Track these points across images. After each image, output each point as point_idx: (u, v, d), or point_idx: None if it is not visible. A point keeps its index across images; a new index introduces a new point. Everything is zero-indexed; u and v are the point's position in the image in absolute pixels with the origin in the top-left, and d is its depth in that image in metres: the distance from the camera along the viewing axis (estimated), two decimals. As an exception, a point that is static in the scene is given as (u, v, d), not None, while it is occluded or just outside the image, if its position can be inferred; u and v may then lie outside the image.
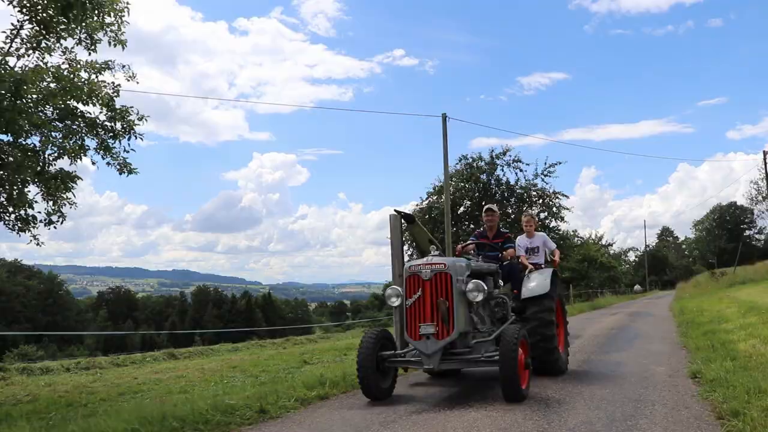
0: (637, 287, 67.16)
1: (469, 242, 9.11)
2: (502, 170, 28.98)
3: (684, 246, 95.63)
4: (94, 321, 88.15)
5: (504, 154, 28.80)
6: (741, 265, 46.24)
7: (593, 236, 51.43)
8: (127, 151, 9.13)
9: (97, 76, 8.80)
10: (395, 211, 9.37)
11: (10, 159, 8.11)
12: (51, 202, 8.74)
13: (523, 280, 8.54)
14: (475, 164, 28.85)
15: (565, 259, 35.17)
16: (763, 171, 37.27)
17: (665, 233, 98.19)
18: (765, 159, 37.11)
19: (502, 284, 8.69)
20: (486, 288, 7.27)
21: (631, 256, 78.45)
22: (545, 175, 28.47)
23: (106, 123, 8.93)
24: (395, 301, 7.71)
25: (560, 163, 28.64)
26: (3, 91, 7.49)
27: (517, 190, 28.88)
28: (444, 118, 22.62)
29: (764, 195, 44.58)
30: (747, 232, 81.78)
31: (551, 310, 8.27)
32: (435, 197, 29.13)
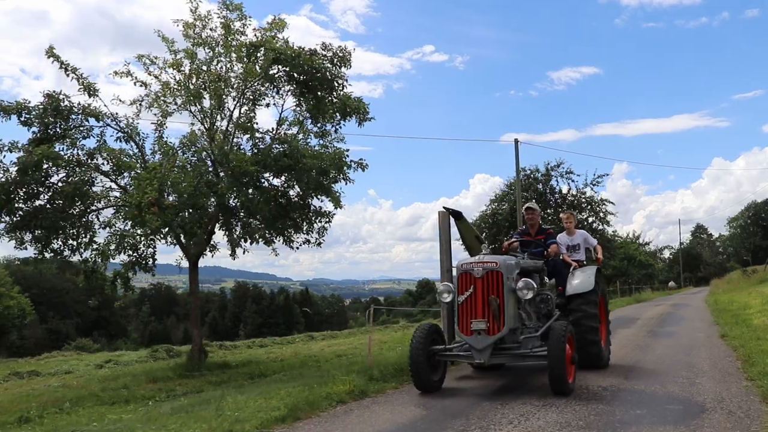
0: (671, 284, 72.05)
1: (513, 239, 9.54)
2: (556, 181, 34.57)
3: (718, 243, 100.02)
4: (138, 316, 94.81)
5: (558, 166, 34.40)
6: (773, 262, 51.33)
7: (631, 235, 56.70)
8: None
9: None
10: (443, 207, 9.85)
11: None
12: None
13: (568, 276, 9.17)
14: (532, 176, 34.41)
15: (611, 259, 40.83)
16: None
17: (699, 231, 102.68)
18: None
19: (547, 281, 9.43)
20: (535, 286, 7.82)
21: (666, 254, 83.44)
22: (594, 185, 34.12)
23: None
24: (447, 298, 8.34)
25: (607, 175, 34.28)
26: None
27: (569, 198, 34.40)
28: (516, 143, 28.24)
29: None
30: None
31: (595, 304, 8.89)
32: (497, 204, 34.75)
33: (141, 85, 14.06)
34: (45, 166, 12.38)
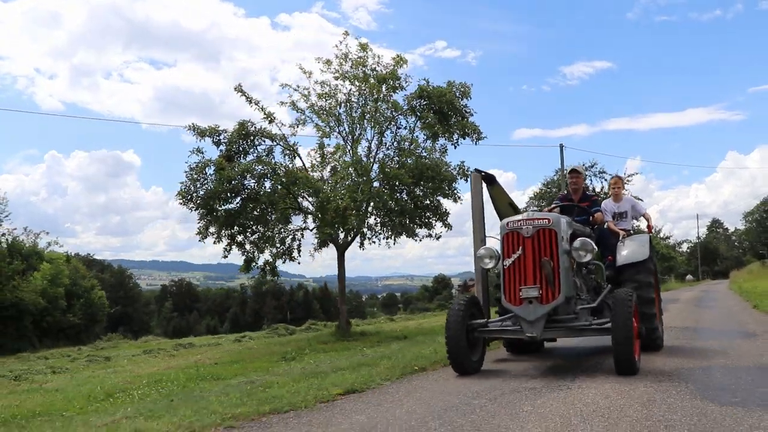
0: (689, 277, 76.67)
1: (554, 205, 8.73)
2: (590, 180, 39.02)
3: (734, 237, 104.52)
4: (160, 312, 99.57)
5: (592, 166, 38.85)
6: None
7: (653, 230, 61.23)
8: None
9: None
10: (475, 170, 9.35)
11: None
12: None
13: (617, 246, 8.38)
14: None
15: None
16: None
17: (715, 225, 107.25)
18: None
19: (596, 249, 8.10)
20: (594, 247, 7.17)
21: (684, 247, 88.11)
22: (625, 183, 38.71)
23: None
24: (489, 263, 7.54)
25: (637, 174, 38.64)
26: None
27: (602, 197, 38.88)
28: (561, 148, 32.71)
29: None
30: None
31: (651, 273, 8.29)
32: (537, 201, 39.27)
33: (299, 111, 18.59)
34: (240, 178, 16.93)
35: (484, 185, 9.19)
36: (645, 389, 5.64)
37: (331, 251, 19.79)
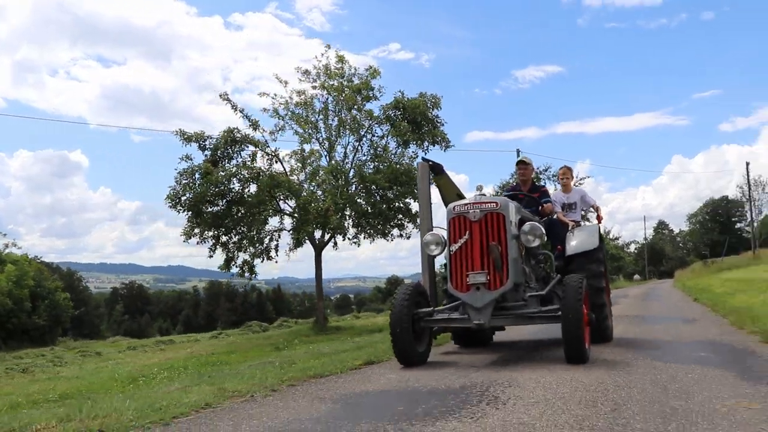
0: (636, 276, 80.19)
1: (502, 195, 8.50)
2: (544, 182, 41.11)
3: (679, 238, 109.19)
4: (111, 315, 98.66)
5: (546, 170, 40.97)
6: (729, 255, 59.54)
7: (602, 230, 64.15)
8: None
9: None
10: (423, 159, 9.25)
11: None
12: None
13: (566, 236, 8.41)
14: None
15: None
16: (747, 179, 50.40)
17: (661, 227, 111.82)
18: (747, 169, 50.14)
19: (545, 235, 7.82)
20: (543, 231, 7.11)
21: (632, 248, 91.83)
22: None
23: None
24: (435, 250, 7.49)
25: (589, 177, 40.89)
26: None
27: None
28: (517, 152, 34.61)
29: (747, 198, 57.85)
30: (738, 225, 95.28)
31: (600, 263, 8.34)
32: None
33: (279, 118, 19.91)
34: (226, 181, 18.17)
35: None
36: (596, 375, 5.76)
37: (283, 255, 20.99)
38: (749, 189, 56.01)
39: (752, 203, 57.47)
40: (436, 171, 9.13)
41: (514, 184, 9.65)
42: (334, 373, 6.89)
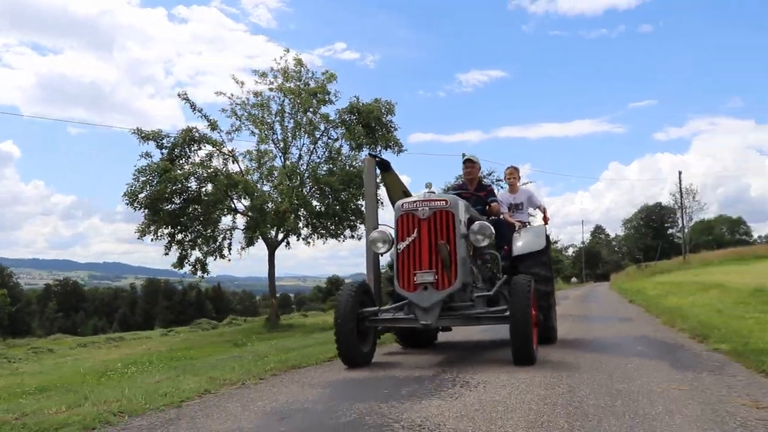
0: (573, 279, 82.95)
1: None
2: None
3: (614, 243, 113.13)
4: (43, 313, 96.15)
5: (489, 174, 42.28)
6: (661, 259, 62.38)
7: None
8: None
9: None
10: (370, 154, 9.16)
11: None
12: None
13: (513, 237, 8.40)
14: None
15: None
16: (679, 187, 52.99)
17: (598, 231, 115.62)
18: (680, 178, 52.77)
19: (494, 235, 7.56)
20: (493, 231, 7.02)
21: (570, 252, 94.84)
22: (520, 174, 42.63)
23: None
24: (382, 247, 7.32)
25: (531, 182, 42.36)
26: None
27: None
28: (463, 156, 35.67)
29: (679, 205, 60.77)
30: (670, 231, 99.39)
31: (547, 266, 8.35)
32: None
33: (235, 118, 20.34)
34: (184, 180, 18.51)
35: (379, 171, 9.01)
36: (550, 365, 6.25)
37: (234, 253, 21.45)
38: (681, 197, 58.78)
39: (683, 210, 60.31)
40: (383, 167, 9.03)
41: (461, 182, 9.43)
42: (311, 365, 7.47)
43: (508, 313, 6.38)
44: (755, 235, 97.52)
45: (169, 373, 7.84)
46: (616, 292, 31.73)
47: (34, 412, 5.01)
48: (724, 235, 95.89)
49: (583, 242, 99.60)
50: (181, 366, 9.73)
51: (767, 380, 5.25)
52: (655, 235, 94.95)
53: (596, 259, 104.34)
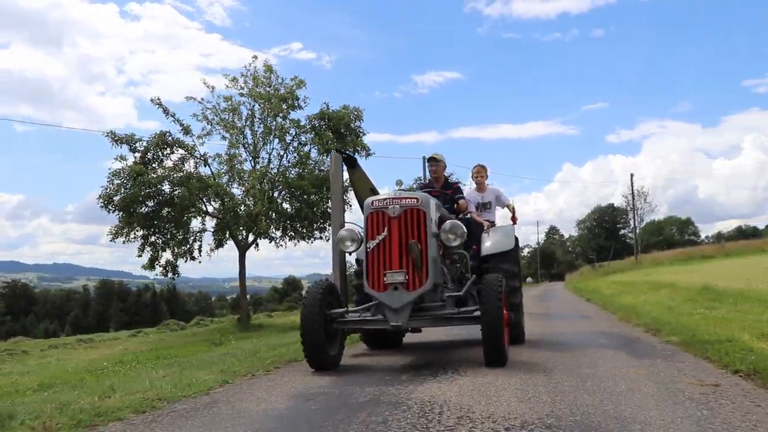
0: (528, 279, 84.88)
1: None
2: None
3: (568, 243, 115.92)
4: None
5: (449, 176, 43.44)
6: (614, 259, 64.58)
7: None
8: None
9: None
10: (336, 150, 9.22)
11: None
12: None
13: (481, 236, 8.39)
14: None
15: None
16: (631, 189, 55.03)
17: (552, 231, 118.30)
18: (632, 180, 54.83)
19: (466, 234, 7.33)
20: (465, 231, 6.96)
21: (525, 252, 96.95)
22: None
23: None
24: (350, 246, 7.26)
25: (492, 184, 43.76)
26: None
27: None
28: (424, 159, 36.60)
29: (631, 207, 63.06)
30: (622, 231, 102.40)
31: (516, 263, 8.46)
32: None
33: (207, 122, 20.92)
34: (158, 183, 19.03)
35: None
36: (522, 363, 6.59)
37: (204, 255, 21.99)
38: (633, 199, 60.96)
39: (635, 212, 62.48)
40: (350, 164, 8.96)
41: (427, 181, 9.16)
42: (300, 360, 8.09)
43: (479, 314, 6.38)
44: (702, 236, 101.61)
45: (170, 370, 8.30)
46: (572, 292, 33.14)
47: (69, 402, 5.47)
48: (674, 235, 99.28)
49: (538, 243, 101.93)
50: (175, 363, 10.21)
51: (710, 365, 6.23)
52: (607, 236, 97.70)
53: (551, 260, 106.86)
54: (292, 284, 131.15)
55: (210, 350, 13.45)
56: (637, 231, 66.11)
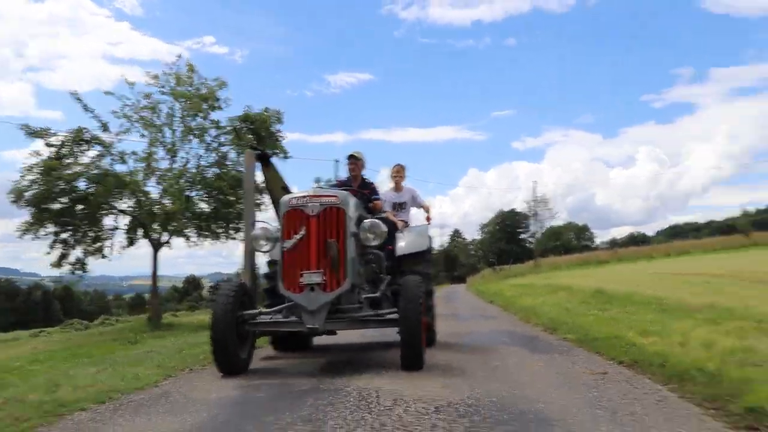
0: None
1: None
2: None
3: (471, 246, 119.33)
4: None
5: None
6: (515, 263, 67.44)
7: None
8: None
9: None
10: (251, 147, 8.90)
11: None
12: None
13: (396, 236, 8.29)
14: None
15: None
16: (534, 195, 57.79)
17: (456, 235, 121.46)
18: (534, 187, 57.62)
19: (386, 233, 7.34)
20: (385, 231, 6.93)
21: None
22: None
23: None
24: (265, 245, 7.11)
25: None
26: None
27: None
28: (336, 162, 37.32)
29: (533, 213, 66.12)
30: (523, 236, 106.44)
31: (430, 264, 8.52)
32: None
33: (125, 118, 20.86)
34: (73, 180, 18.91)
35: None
36: (439, 358, 7.27)
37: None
38: (535, 205, 63.92)
39: (536, 218, 65.49)
40: (264, 161, 8.90)
41: (344, 179, 8.95)
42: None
43: (397, 316, 6.39)
44: (598, 241, 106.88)
45: (101, 366, 8.20)
46: (475, 294, 34.67)
47: (14, 397, 5.75)
48: (571, 240, 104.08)
49: (442, 245, 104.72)
50: (100, 361, 10.25)
51: (599, 357, 7.28)
52: (509, 240, 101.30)
53: (453, 262, 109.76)
54: (193, 283, 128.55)
55: (128, 349, 13.62)
56: (537, 236, 69.25)
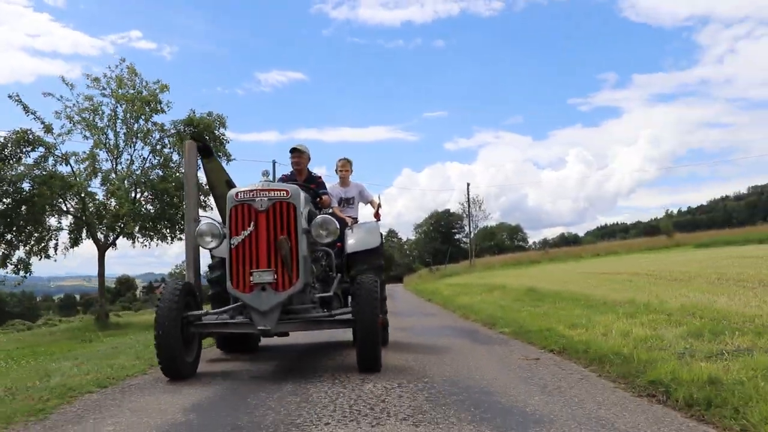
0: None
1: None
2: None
3: (406, 246, 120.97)
4: None
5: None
6: (450, 263, 69.19)
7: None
8: None
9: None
10: (192, 138, 8.75)
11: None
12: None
13: (345, 233, 8.06)
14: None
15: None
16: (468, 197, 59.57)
17: (391, 235, 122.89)
18: (468, 189, 59.40)
19: (339, 230, 7.13)
20: (338, 228, 6.77)
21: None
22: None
23: None
24: (210, 242, 6.77)
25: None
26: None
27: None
28: (273, 163, 37.87)
29: (466, 213, 67.91)
30: (457, 236, 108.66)
31: (381, 261, 8.19)
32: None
33: (69, 120, 21.16)
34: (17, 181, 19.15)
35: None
36: (392, 349, 8.50)
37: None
38: (469, 206, 65.68)
39: (470, 218, 67.24)
40: (205, 153, 8.60)
41: (289, 173, 8.53)
42: (205, 348, 9.52)
43: (352, 317, 6.30)
44: (530, 241, 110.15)
45: (76, 361, 8.64)
46: (413, 293, 35.92)
47: (17, 384, 6.36)
48: (505, 240, 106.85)
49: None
50: (70, 357, 10.04)
51: (533, 347, 8.43)
52: (443, 240, 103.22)
53: (389, 262, 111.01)
54: (126, 284, 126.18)
55: (86, 347, 14.08)
56: (472, 236, 71.14)
